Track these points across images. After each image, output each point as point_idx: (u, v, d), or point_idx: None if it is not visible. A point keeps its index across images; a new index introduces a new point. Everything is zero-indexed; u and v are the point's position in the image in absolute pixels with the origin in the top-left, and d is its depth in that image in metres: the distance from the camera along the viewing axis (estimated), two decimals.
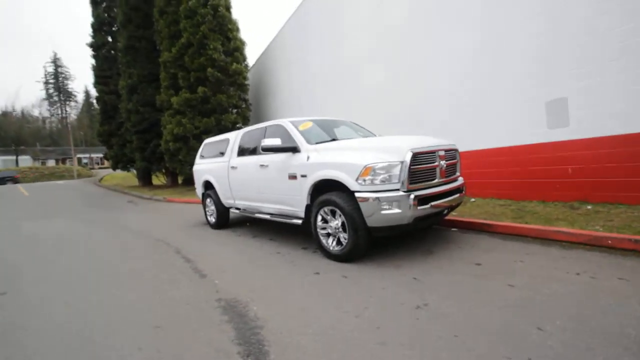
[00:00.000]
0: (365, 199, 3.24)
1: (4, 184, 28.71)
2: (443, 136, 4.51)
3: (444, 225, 4.67)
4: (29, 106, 77.28)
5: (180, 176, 16.46)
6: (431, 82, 6.75)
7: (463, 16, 6.07)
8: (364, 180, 3.27)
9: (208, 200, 6.38)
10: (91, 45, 19.16)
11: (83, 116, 66.49)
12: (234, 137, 5.71)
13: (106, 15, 18.93)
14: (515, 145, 5.39)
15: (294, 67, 12.14)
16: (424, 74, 6.91)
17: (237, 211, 5.67)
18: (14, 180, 30.86)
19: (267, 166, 4.57)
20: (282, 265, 3.73)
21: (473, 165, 5.76)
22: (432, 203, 3.38)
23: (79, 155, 50.14)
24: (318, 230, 3.77)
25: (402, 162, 3.23)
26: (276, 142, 4.13)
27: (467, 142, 5.80)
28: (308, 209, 3.97)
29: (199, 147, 12.56)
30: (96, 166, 53.21)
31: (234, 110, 13.95)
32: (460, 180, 4.04)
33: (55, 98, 69.59)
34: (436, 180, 3.56)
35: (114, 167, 19.97)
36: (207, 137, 12.43)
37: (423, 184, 3.41)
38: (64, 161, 49.95)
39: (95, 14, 18.94)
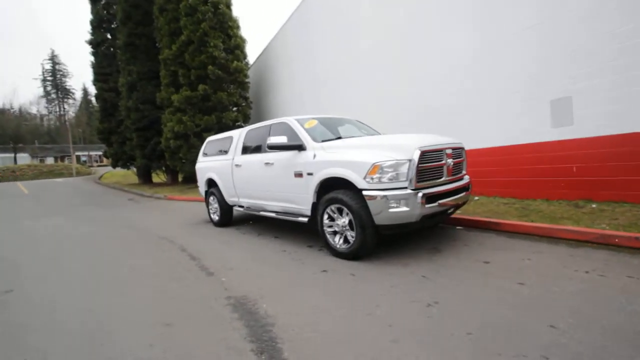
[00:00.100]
0: (373, 197, 3.24)
1: None
2: (446, 135, 4.52)
3: (449, 224, 4.67)
4: (27, 104, 76.92)
5: (181, 174, 16.43)
6: (433, 81, 6.74)
7: (463, 17, 6.08)
8: (372, 178, 3.26)
9: (211, 198, 6.37)
10: (90, 43, 19.05)
11: (81, 114, 66.26)
12: (238, 135, 5.70)
13: (105, 12, 18.81)
14: (519, 144, 5.39)
15: (297, 64, 12.10)
16: (425, 73, 6.90)
17: (240, 209, 5.67)
18: None
19: (272, 164, 4.56)
20: (288, 263, 3.73)
21: (476, 163, 5.76)
22: (440, 201, 3.38)
23: (77, 153, 49.94)
24: (324, 228, 3.77)
25: (410, 160, 3.23)
26: (282, 139, 4.12)
27: (469, 141, 5.80)
28: (314, 207, 3.97)
29: (200, 144, 12.64)
30: (95, 164, 53.02)
31: (235, 108, 13.93)
32: (466, 179, 4.04)
33: (53, 95, 69.47)
34: (443, 179, 3.56)
35: (114, 165, 19.90)
36: (208, 135, 12.45)
37: (430, 182, 3.42)
38: (62, 159, 49.74)
39: (94, 11, 18.82)
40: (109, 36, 19.18)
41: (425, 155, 3.33)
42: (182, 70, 13.05)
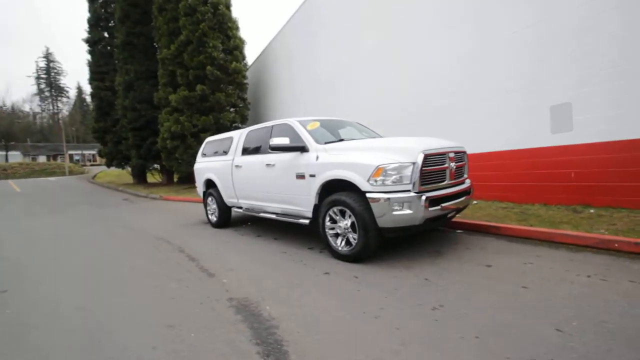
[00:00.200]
0: (377, 200, 3.24)
1: None
2: (445, 136, 4.54)
3: (449, 227, 4.69)
4: (20, 101, 75.90)
5: (177, 174, 16.32)
6: (433, 81, 6.78)
7: (463, 17, 6.12)
8: (376, 181, 3.27)
9: (209, 199, 6.33)
10: (87, 41, 18.91)
11: (75, 112, 65.65)
12: (238, 136, 5.68)
13: (103, 10, 18.71)
14: (517, 149, 5.44)
15: (297, 65, 12.10)
16: (425, 72, 6.94)
17: (240, 210, 5.64)
18: None
19: (273, 165, 4.55)
20: (289, 264, 3.71)
21: (474, 167, 5.80)
22: (443, 204, 3.39)
23: (70, 152, 49.40)
24: (326, 230, 3.76)
25: (413, 164, 3.24)
26: (285, 141, 4.11)
27: (468, 141, 5.83)
28: (316, 208, 3.96)
29: (197, 145, 12.60)
30: (88, 163, 52.44)
31: (233, 109, 13.89)
32: (468, 183, 4.06)
33: (47, 93, 68.78)
34: (445, 182, 3.58)
35: (109, 164, 19.71)
36: (206, 136, 12.41)
37: (433, 185, 3.43)
38: (55, 157, 49.17)
39: (91, 10, 18.70)
40: (106, 35, 19.07)
41: (428, 158, 3.34)
42: (181, 70, 12.99)
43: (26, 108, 63.78)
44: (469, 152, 5.75)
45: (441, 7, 6.51)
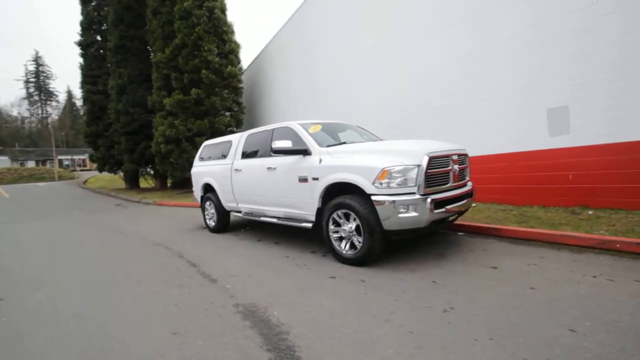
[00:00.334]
0: (382, 202, 3.23)
1: None
2: (444, 137, 4.56)
3: (451, 230, 4.70)
4: (8, 105, 74.73)
5: (170, 179, 16.15)
6: (432, 80, 6.82)
7: (463, 17, 6.18)
8: (381, 184, 3.26)
9: (207, 203, 6.26)
10: (80, 44, 18.69)
11: (65, 117, 64.72)
12: (238, 139, 5.63)
13: (96, 13, 18.53)
14: (516, 152, 5.50)
15: (293, 67, 12.09)
16: (425, 72, 6.98)
17: (239, 215, 5.58)
18: None
19: (274, 169, 4.52)
20: (293, 269, 3.67)
21: (474, 170, 5.84)
22: (447, 207, 3.40)
23: (60, 157, 48.58)
24: (330, 233, 3.74)
25: (418, 166, 3.24)
26: (287, 144, 4.08)
27: (467, 142, 5.86)
28: (319, 212, 3.94)
29: (192, 149, 12.51)
30: (78, 168, 51.63)
31: (228, 113, 13.83)
32: (470, 185, 4.08)
33: (36, 97, 67.74)
34: (449, 185, 3.59)
35: (100, 169, 19.42)
36: (201, 140, 12.32)
37: (437, 187, 3.44)
38: (44, 162, 48.26)
39: (84, 13, 18.51)
40: (98, 38, 18.88)
41: (433, 161, 3.35)
42: (175, 73, 12.90)
43: (14, 112, 62.77)
44: (468, 149, 5.84)
45: (441, 6, 6.56)
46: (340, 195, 3.66)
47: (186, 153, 12.70)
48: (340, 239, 3.69)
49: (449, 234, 4.54)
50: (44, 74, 67.33)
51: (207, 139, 11.88)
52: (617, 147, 4.44)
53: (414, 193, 3.23)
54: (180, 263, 4.26)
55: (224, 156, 5.85)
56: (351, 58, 8.97)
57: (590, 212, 4.58)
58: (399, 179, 3.23)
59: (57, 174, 34.12)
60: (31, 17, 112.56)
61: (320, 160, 3.87)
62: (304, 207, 4.13)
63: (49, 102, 69.18)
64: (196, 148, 12.44)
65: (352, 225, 3.51)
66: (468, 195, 3.87)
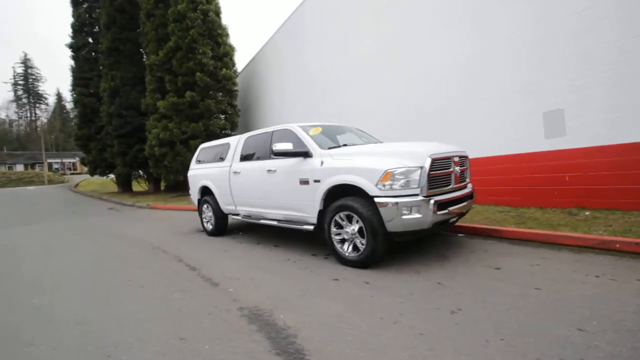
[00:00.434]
0: (385, 204, 3.23)
1: None
2: (440, 139, 4.58)
3: (450, 231, 4.71)
4: None
5: (164, 182, 15.99)
6: (429, 81, 6.88)
7: (462, 18, 6.25)
8: (384, 185, 3.26)
9: (205, 206, 6.19)
10: (71, 46, 18.45)
11: (55, 120, 63.74)
12: (236, 142, 5.59)
13: (87, 15, 18.34)
14: (513, 154, 5.56)
15: (289, 70, 12.09)
16: (423, 74, 7.03)
17: (237, 217, 5.53)
18: None
19: (274, 171, 4.49)
20: (296, 272, 3.64)
21: (472, 172, 5.88)
22: (450, 208, 3.41)
23: (49, 160, 47.75)
24: (332, 236, 3.72)
25: (421, 168, 3.25)
26: (288, 146, 4.06)
27: (465, 148, 5.92)
28: (320, 214, 3.92)
29: (186, 152, 12.40)
30: (68, 172, 50.80)
31: (222, 116, 13.76)
32: (470, 187, 4.10)
33: (24, 100, 66.61)
34: (451, 186, 3.60)
35: (92, 173, 19.13)
36: (195, 143, 12.24)
37: (440, 189, 3.45)
38: (33, 166, 47.38)
39: (75, 15, 18.30)
40: (90, 40, 18.66)
41: (435, 162, 3.36)
42: (169, 76, 12.81)
43: (2, 115, 61.63)
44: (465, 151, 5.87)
45: (439, 6, 6.61)
46: (342, 197, 3.65)
47: (180, 156, 12.60)
48: (343, 241, 3.67)
49: (450, 236, 4.56)
50: (33, 77, 66.30)
51: (202, 142, 11.79)
52: (613, 149, 4.52)
53: (417, 195, 3.23)
54: (180, 267, 4.20)
55: (222, 159, 5.80)
56: (349, 59, 9.00)
57: (587, 213, 4.64)
58: (402, 181, 3.23)
59: (47, 178, 33.51)
60: (20, 18, 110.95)
61: (322, 163, 3.85)
62: (305, 209, 4.11)
63: (38, 105, 68.11)
64: (190, 151, 12.37)
65: (354, 227, 3.50)
66: (469, 197, 3.89)
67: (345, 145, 4.35)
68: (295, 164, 4.19)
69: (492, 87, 5.83)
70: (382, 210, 3.25)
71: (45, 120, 65.48)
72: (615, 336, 1.93)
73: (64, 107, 65.90)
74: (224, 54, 13.45)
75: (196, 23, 12.54)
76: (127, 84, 15.33)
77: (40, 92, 67.61)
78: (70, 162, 53.54)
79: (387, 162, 3.31)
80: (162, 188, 16.96)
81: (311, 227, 4.06)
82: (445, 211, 3.36)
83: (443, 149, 3.63)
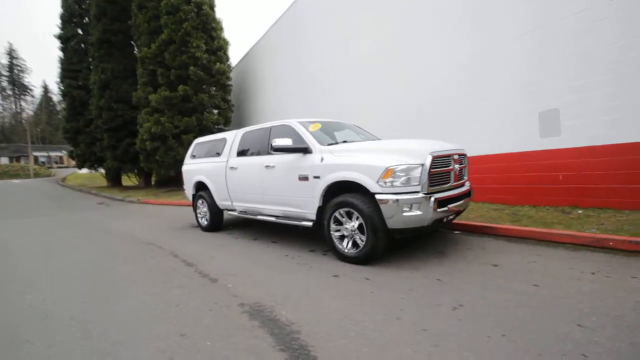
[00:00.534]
0: (386, 201, 3.23)
1: None
2: (439, 137, 4.60)
3: (447, 228, 4.75)
4: None
5: (155, 177, 15.76)
6: (429, 89, 6.90)
7: (462, 17, 6.27)
8: (385, 182, 3.26)
9: (200, 201, 6.13)
10: (59, 37, 18.00)
11: (41, 112, 62.24)
12: (233, 137, 5.53)
13: (77, 6, 17.89)
14: (509, 153, 5.62)
15: (284, 67, 11.98)
16: (422, 79, 7.05)
17: (233, 213, 5.48)
18: None
19: (273, 167, 4.46)
20: (295, 268, 3.63)
21: (469, 170, 5.94)
22: (449, 206, 3.44)
23: (35, 154, 46.62)
24: (332, 232, 3.72)
25: (422, 165, 3.26)
26: (288, 142, 4.03)
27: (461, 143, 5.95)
28: (319, 210, 3.91)
29: (178, 147, 12.24)
30: (55, 165, 49.73)
31: (216, 111, 13.61)
32: (468, 185, 4.14)
33: (9, 92, 64.77)
34: (450, 184, 3.63)
35: (80, 166, 18.77)
36: (188, 137, 12.10)
37: (439, 187, 3.47)
38: (18, 159, 46.21)
39: (64, 5, 17.84)
40: (80, 31, 18.22)
41: (436, 160, 3.38)
42: (161, 69, 12.60)
43: None
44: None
45: (439, 6, 6.61)
46: (341, 194, 3.65)
47: (172, 151, 12.43)
48: (342, 237, 3.67)
49: (446, 233, 4.60)
50: (19, 67, 64.43)
51: (194, 137, 11.68)
52: (607, 149, 4.60)
53: (417, 192, 3.24)
54: (176, 263, 4.15)
55: (218, 154, 5.73)
56: (349, 59, 8.96)
57: (580, 212, 4.73)
58: (402, 178, 3.24)
59: (33, 171, 32.75)
60: (4, 7, 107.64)
61: (322, 159, 3.84)
62: (304, 205, 4.09)
63: (23, 97, 66.30)
64: (183, 145, 12.22)
65: (354, 223, 3.50)
66: (467, 194, 3.92)
67: (345, 141, 4.34)
68: (294, 160, 4.17)
69: (492, 87, 5.87)
70: (382, 207, 3.25)
71: (31, 113, 63.81)
72: (614, 332, 1.98)
73: (50, 99, 64.39)
74: (218, 48, 13.28)
75: (190, 16, 12.34)
76: (118, 77, 15.03)
77: (25, 83, 65.81)
78: (57, 156, 52.42)
79: (389, 159, 3.32)
80: (153, 183, 16.72)
81: (310, 224, 4.05)
82: (445, 208, 3.38)
83: (443, 146, 3.65)
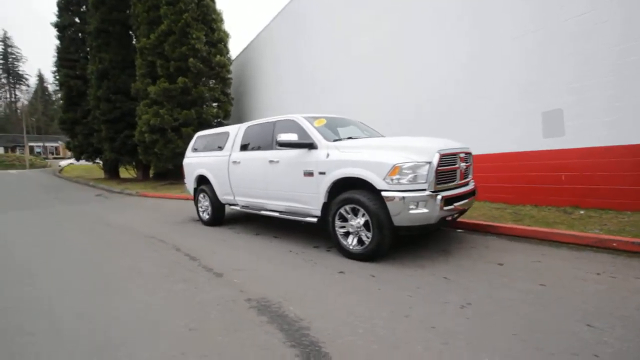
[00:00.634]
0: (393, 198, 3.23)
1: None
2: (438, 136, 4.60)
3: (450, 227, 4.76)
4: None
5: (153, 170, 15.67)
6: (427, 88, 6.89)
7: (461, 16, 6.25)
8: (392, 179, 3.25)
9: (201, 195, 6.10)
10: (56, 25, 17.71)
11: (36, 102, 61.48)
12: (236, 131, 5.50)
13: None
14: (512, 152, 5.63)
15: (285, 64, 11.87)
16: (421, 78, 7.03)
17: (236, 208, 5.46)
18: None
19: (277, 162, 4.44)
20: (300, 264, 3.63)
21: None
22: (455, 204, 3.44)
23: (31, 144, 46.13)
24: (336, 229, 3.72)
25: (429, 163, 3.26)
26: (293, 137, 4.01)
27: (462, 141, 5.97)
28: (324, 207, 3.90)
29: (177, 139, 12.15)
30: (50, 156, 49.26)
31: (215, 104, 13.51)
32: (472, 184, 4.14)
33: (4, 80, 63.95)
34: (455, 182, 3.63)
35: (77, 158, 18.60)
36: (187, 130, 12.02)
37: (445, 185, 3.47)
38: (13, 149, 45.71)
39: None
40: (77, 20, 17.94)
41: (443, 158, 3.37)
42: (160, 60, 12.46)
43: None
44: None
45: (439, 5, 6.59)
46: (345, 190, 3.64)
47: (171, 143, 12.34)
48: (347, 234, 3.67)
49: (449, 231, 4.62)
50: (13, 56, 63.61)
51: (193, 130, 11.62)
52: (610, 150, 4.62)
53: (424, 190, 3.24)
54: (179, 256, 4.13)
55: (220, 148, 5.70)
56: (349, 57, 8.91)
57: (582, 212, 4.76)
58: (410, 175, 3.23)
59: (29, 162, 32.43)
60: None
61: (328, 155, 3.82)
62: (308, 201, 4.08)
63: (18, 86, 65.53)
64: (182, 138, 12.14)
65: (360, 220, 3.50)
66: (471, 193, 3.93)
67: (350, 137, 4.32)
68: (299, 155, 4.15)
69: (491, 86, 5.87)
70: (389, 204, 3.25)
71: (26, 102, 63.05)
72: (623, 332, 2.00)
73: (45, 88, 63.66)
74: (218, 40, 13.16)
75: (190, 7, 12.20)
76: (116, 67, 14.85)
77: (20, 72, 65.03)
78: (52, 146, 51.94)
79: (396, 156, 3.31)
80: (151, 175, 16.63)
81: (314, 220, 4.05)
82: (451, 207, 3.39)
83: (449, 144, 3.64)
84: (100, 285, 3.31)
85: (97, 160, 18.60)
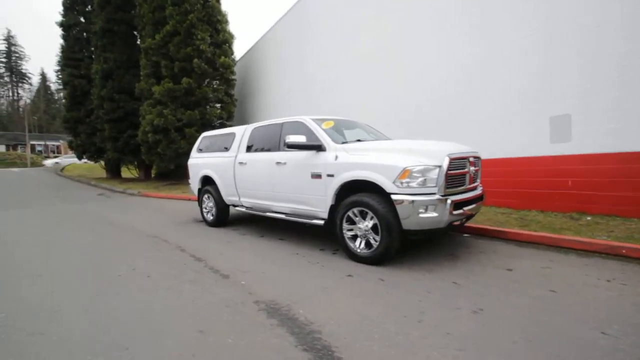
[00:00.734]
0: (402, 202, 3.21)
1: None
2: (439, 138, 4.59)
3: (456, 231, 4.74)
4: None
5: (155, 170, 15.67)
6: (427, 89, 6.89)
7: (460, 15, 6.26)
8: (402, 183, 3.24)
9: (206, 196, 6.08)
10: (61, 25, 17.76)
11: (39, 100, 61.61)
12: (242, 132, 5.49)
13: None
14: (517, 157, 5.62)
15: (289, 66, 11.89)
16: (421, 79, 7.03)
17: (241, 209, 5.44)
18: None
19: (284, 164, 4.43)
20: (306, 266, 3.61)
21: None
22: (465, 208, 3.43)
23: (32, 142, 46.17)
24: (344, 231, 3.70)
25: (439, 167, 3.25)
26: (302, 139, 4.00)
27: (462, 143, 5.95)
28: (332, 209, 3.89)
29: (181, 140, 12.15)
30: (52, 154, 49.26)
31: (219, 105, 13.52)
32: (480, 189, 4.12)
33: (7, 79, 64.13)
34: (464, 187, 3.61)
35: (80, 157, 18.61)
36: (191, 131, 12.03)
37: (455, 189, 3.46)
38: (15, 147, 45.74)
39: None
40: (82, 19, 17.99)
41: (453, 162, 3.36)
42: (165, 61, 12.48)
43: None
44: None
45: (439, 5, 6.59)
46: (353, 193, 3.63)
47: (175, 144, 12.35)
48: (354, 237, 3.66)
49: (456, 236, 4.60)
50: (16, 55, 63.81)
51: (197, 130, 11.63)
52: (617, 156, 4.61)
53: (434, 194, 3.23)
54: (184, 257, 4.11)
55: (226, 149, 5.69)
56: (350, 58, 8.93)
57: (589, 218, 4.74)
58: (420, 179, 3.22)
59: (30, 160, 32.44)
60: None
61: (337, 157, 3.81)
62: (316, 203, 4.07)
63: (20, 85, 65.70)
64: (186, 139, 12.14)
65: (368, 223, 3.48)
66: (480, 198, 3.92)
67: (359, 140, 4.31)
68: (306, 158, 4.14)
69: (492, 87, 5.87)
70: (398, 207, 3.24)
71: (29, 101, 63.18)
72: (637, 339, 1.98)
73: (48, 87, 63.81)
74: (223, 41, 13.19)
75: (195, 7, 12.24)
76: (121, 67, 14.89)
77: (23, 71, 65.22)
78: (54, 145, 51.97)
79: (406, 160, 3.30)
80: (153, 176, 16.62)
81: (321, 222, 4.03)
82: (461, 211, 3.37)
83: (459, 148, 3.63)
84: (107, 284, 3.27)
85: (100, 160, 18.58)
